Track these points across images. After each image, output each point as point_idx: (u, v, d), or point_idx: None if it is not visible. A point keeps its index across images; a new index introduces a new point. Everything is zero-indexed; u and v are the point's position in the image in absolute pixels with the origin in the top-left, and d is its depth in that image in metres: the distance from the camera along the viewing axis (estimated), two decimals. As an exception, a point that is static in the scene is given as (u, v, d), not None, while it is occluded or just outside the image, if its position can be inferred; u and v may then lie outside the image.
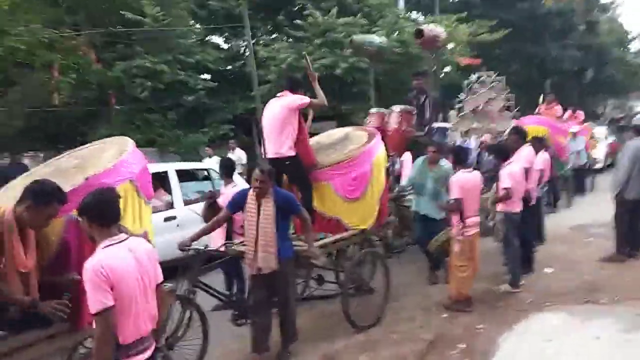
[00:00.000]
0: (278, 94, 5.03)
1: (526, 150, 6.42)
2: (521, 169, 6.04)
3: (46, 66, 13.49)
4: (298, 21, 14.58)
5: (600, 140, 16.56)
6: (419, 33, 6.23)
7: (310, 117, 5.51)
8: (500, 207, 5.92)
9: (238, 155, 11.76)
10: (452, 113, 10.57)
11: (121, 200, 2.78)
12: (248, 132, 15.46)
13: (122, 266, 2.38)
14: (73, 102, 13.82)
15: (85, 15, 14.59)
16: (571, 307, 5.28)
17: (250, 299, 4.31)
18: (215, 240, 5.23)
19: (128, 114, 13.97)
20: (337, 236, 4.91)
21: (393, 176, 7.35)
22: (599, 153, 16.17)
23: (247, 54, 17.27)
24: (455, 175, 5.34)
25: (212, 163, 11.37)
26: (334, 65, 13.67)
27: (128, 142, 3.67)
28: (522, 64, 24.86)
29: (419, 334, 4.81)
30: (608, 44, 28.32)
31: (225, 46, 16.84)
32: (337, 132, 5.80)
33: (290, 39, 15.44)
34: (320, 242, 4.68)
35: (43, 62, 13.27)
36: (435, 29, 6.33)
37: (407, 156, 7.61)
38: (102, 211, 2.46)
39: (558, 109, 12.92)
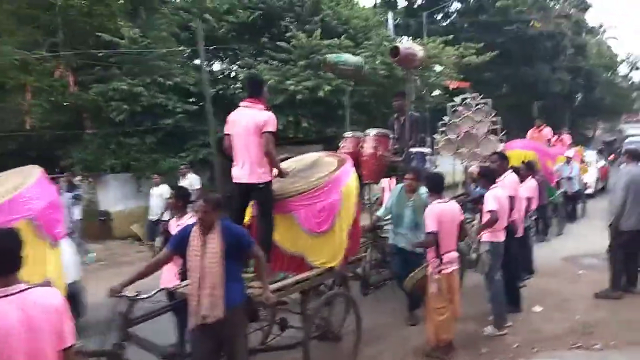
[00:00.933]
0: (242, 103, 4.50)
1: (510, 176, 5.97)
2: (506, 196, 5.59)
3: (19, 89, 13.05)
4: (282, 43, 14.25)
5: (591, 165, 16.24)
6: (395, 50, 5.81)
7: None
8: (485, 235, 5.43)
9: (190, 181, 10.95)
10: (438, 137, 10.13)
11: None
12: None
13: None
14: (46, 125, 13.31)
15: (63, 37, 14.21)
16: (562, 353, 4.77)
17: (194, 352, 3.73)
18: (167, 280, 4.69)
19: (103, 137, 13.44)
20: (300, 276, 4.36)
21: (369, 205, 6.87)
22: (590, 178, 15.84)
23: (231, 76, 17.00)
24: (430, 206, 4.85)
25: (156, 194, 10.72)
26: (317, 88, 13.30)
27: (33, 173, 3.11)
28: (512, 87, 24.71)
29: (392, 389, 4.26)
30: (597, 67, 28.34)
31: (209, 69, 16.40)
32: (306, 158, 5.31)
33: (275, 61, 15.09)
34: (279, 284, 4.14)
35: (15, 84, 12.83)
36: (411, 46, 5.91)
37: (386, 183, 7.15)
38: None
39: (548, 131, 12.61)
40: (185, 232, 3.67)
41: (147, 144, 13.40)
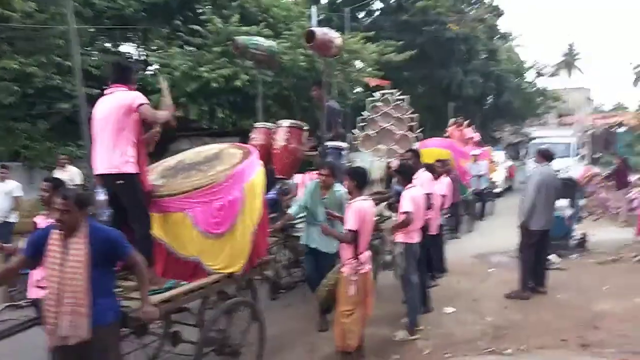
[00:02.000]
0: (106, 90, 3.86)
1: (423, 174, 5.76)
2: (423, 194, 5.36)
3: None
4: (195, 27, 13.36)
5: (499, 164, 16.92)
6: (311, 35, 5.35)
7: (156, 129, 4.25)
8: (398, 236, 5.16)
9: (70, 175, 9.49)
10: (357, 132, 9.91)
11: None
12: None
13: None
14: None
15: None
16: (474, 359, 4.58)
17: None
18: (33, 290, 3.96)
19: (-11, 121, 11.91)
20: (192, 284, 3.79)
21: (281, 202, 6.41)
22: (498, 177, 16.49)
23: (141, 59, 15.81)
24: (354, 203, 4.48)
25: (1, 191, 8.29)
26: (233, 77, 12.61)
27: None
28: (428, 87, 25.33)
29: (296, 406, 3.84)
30: (506, 72, 29.75)
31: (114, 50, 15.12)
32: (207, 150, 4.73)
33: (189, 46, 14.18)
34: (165, 295, 3.55)
35: None
36: (329, 32, 5.49)
37: (299, 178, 6.74)
38: None
39: (469, 130, 12.83)
40: (44, 234, 3.00)
41: (41, 129, 12.07)
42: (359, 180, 4.62)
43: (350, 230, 4.36)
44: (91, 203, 3.13)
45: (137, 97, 3.70)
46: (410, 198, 5.08)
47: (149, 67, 15.26)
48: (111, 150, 3.65)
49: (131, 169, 3.70)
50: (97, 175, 3.78)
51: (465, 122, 13.10)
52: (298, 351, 4.81)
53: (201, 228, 3.89)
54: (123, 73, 3.85)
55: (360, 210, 4.37)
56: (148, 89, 13.62)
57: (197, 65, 12.69)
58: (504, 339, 4.96)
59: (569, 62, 57.46)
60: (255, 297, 4.91)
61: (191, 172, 4.19)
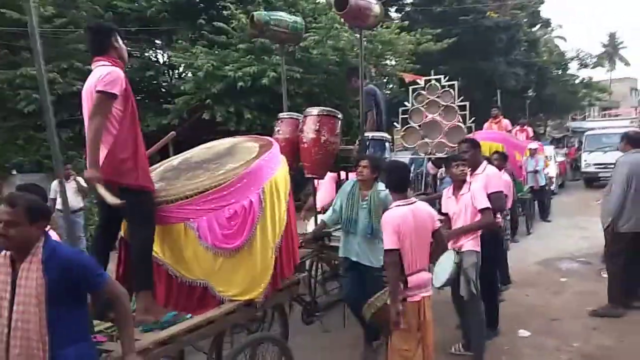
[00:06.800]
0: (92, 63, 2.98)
1: (491, 169, 4.70)
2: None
3: None
4: (220, 24, 12.63)
5: (551, 159, 15.61)
6: (342, 1, 4.36)
7: None
8: (468, 243, 4.14)
9: (77, 188, 8.39)
10: (397, 127, 8.91)
11: None
12: (164, 152, 13.24)
13: None
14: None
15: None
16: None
17: None
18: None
19: (10, 131, 11.48)
20: (200, 317, 2.89)
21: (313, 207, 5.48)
22: (552, 172, 15.15)
23: (166, 62, 15.29)
24: (387, 212, 3.46)
25: None
26: (260, 75, 11.81)
27: None
28: (468, 81, 23.99)
29: None
30: (548, 64, 28.14)
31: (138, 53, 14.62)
32: (219, 144, 3.86)
33: (214, 46, 13.49)
34: (160, 335, 2.65)
35: None
36: (364, -3, 4.48)
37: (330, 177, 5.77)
38: None
39: (507, 123, 11.65)
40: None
41: (62, 138, 11.56)
42: (396, 179, 3.56)
43: (388, 250, 3.33)
44: (48, 215, 2.25)
45: (100, 79, 2.77)
46: (483, 189, 4.15)
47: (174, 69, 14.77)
48: (109, 151, 2.80)
49: (136, 174, 2.85)
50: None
51: (500, 115, 11.84)
52: (340, 392, 3.86)
53: (209, 243, 2.99)
54: (97, 40, 2.98)
55: (395, 221, 3.31)
56: (173, 92, 13.07)
57: (222, 65, 11.96)
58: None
59: (610, 53, 54.47)
60: (286, 326, 3.97)
61: (196, 172, 3.30)
